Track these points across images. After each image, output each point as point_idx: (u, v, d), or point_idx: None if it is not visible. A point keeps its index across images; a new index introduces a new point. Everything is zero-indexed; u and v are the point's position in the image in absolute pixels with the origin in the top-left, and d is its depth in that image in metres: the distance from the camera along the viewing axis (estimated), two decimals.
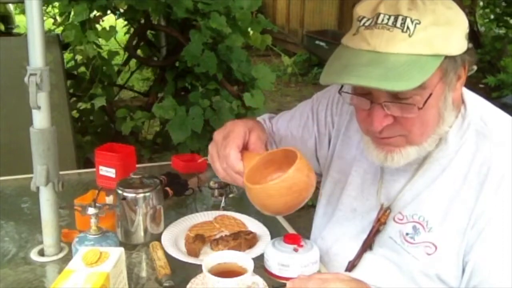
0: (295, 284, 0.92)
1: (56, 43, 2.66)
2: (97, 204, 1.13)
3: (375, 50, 0.93)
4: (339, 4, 7.54)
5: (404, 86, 0.90)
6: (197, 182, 1.57)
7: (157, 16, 3.18)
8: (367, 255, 1.15)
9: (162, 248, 1.20)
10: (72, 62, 3.14)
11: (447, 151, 1.06)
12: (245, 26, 2.94)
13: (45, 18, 2.93)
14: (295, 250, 1.10)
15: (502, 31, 6.31)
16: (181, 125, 2.72)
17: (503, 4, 6.22)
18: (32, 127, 1.11)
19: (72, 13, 2.69)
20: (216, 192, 1.49)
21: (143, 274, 1.15)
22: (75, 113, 3.14)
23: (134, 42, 3.28)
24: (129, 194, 1.23)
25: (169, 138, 2.81)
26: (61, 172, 1.17)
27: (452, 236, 1.04)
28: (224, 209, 1.44)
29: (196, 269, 1.09)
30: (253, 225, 1.34)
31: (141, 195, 1.23)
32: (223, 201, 1.47)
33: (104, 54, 3.01)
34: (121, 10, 3.07)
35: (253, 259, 1.04)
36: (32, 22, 1.06)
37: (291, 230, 1.34)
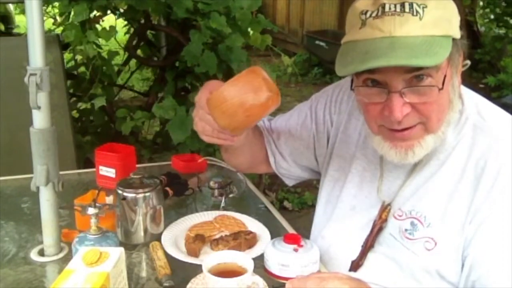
0: (294, 284, 0.92)
1: (56, 43, 2.65)
2: (97, 204, 1.13)
3: (391, 35, 0.93)
4: (339, 4, 7.55)
5: (433, 61, 0.91)
6: (197, 182, 1.57)
7: (157, 16, 3.17)
8: (370, 254, 1.15)
9: (162, 248, 1.20)
10: (72, 62, 3.13)
11: (445, 146, 1.07)
12: (245, 26, 2.93)
13: (45, 18, 2.92)
14: (295, 250, 1.10)
15: (502, 31, 6.32)
16: (181, 125, 2.71)
17: (503, 4, 6.22)
18: (32, 127, 1.11)
19: (72, 13, 2.68)
20: (216, 192, 1.49)
21: (143, 274, 1.15)
22: (75, 113, 3.13)
23: (134, 42, 3.27)
24: (129, 194, 1.23)
25: (169, 138, 2.80)
26: (61, 172, 1.17)
27: (451, 231, 1.04)
28: (224, 209, 1.44)
29: (196, 269, 1.09)
30: (253, 225, 1.34)
31: (141, 195, 1.23)
32: (223, 201, 1.47)
33: (104, 54, 3.01)
34: (121, 10, 3.06)
35: (253, 259, 1.04)
36: (32, 22, 1.06)
37: (291, 230, 1.34)
